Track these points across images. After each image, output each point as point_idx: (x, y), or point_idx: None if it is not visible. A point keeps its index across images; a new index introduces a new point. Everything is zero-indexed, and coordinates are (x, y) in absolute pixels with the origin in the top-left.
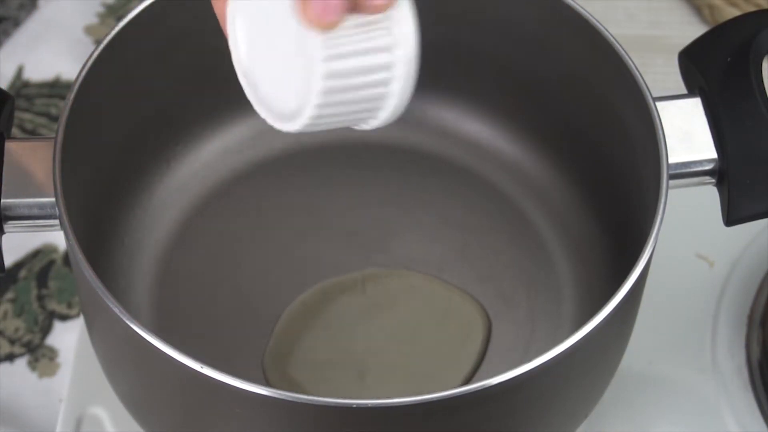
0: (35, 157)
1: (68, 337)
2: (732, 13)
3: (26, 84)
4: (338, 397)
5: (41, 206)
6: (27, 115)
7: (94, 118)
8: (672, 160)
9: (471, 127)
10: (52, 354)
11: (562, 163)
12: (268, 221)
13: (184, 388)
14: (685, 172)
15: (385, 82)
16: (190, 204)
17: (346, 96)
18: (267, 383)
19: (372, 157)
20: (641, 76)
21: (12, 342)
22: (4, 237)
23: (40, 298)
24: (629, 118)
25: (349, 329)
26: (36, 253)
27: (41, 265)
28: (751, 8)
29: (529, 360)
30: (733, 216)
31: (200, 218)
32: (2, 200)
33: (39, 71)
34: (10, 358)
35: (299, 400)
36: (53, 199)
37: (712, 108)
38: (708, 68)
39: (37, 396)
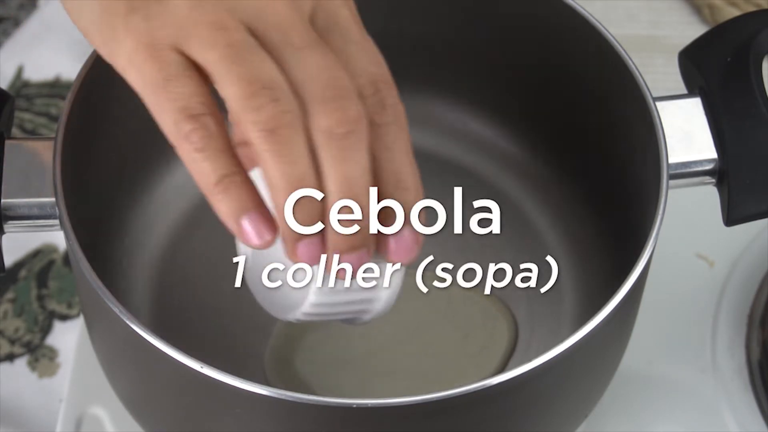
0: (35, 157)
1: (68, 337)
2: (732, 13)
3: (26, 84)
4: (339, 397)
5: (41, 206)
6: (27, 115)
7: (94, 118)
8: (672, 160)
9: (472, 127)
10: (52, 354)
11: (563, 163)
12: None
13: (184, 388)
14: (685, 172)
15: (366, 311)
16: (190, 204)
17: (331, 311)
18: (267, 383)
19: None
20: (641, 76)
21: (12, 342)
22: (4, 237)
23: (40, 298)
24: (629, 118)
25: (349, 329)
26: (36, 253)
27: (41, 265)
28: (751, 8)
29: (529, 360)
30: (733, 216)
31: (200, 218)
32: (2, 200)
33: (39, 71)
34: (10, 358)
35: (299, 400)
36: (53, 199)
37: (712, 108)
38: (708, 68)
39: (37, 396)
